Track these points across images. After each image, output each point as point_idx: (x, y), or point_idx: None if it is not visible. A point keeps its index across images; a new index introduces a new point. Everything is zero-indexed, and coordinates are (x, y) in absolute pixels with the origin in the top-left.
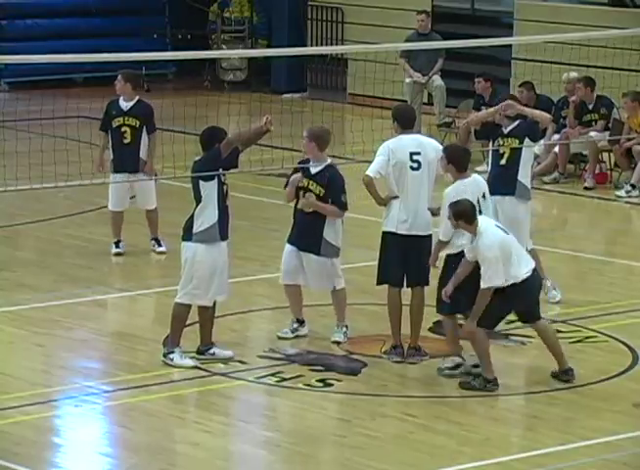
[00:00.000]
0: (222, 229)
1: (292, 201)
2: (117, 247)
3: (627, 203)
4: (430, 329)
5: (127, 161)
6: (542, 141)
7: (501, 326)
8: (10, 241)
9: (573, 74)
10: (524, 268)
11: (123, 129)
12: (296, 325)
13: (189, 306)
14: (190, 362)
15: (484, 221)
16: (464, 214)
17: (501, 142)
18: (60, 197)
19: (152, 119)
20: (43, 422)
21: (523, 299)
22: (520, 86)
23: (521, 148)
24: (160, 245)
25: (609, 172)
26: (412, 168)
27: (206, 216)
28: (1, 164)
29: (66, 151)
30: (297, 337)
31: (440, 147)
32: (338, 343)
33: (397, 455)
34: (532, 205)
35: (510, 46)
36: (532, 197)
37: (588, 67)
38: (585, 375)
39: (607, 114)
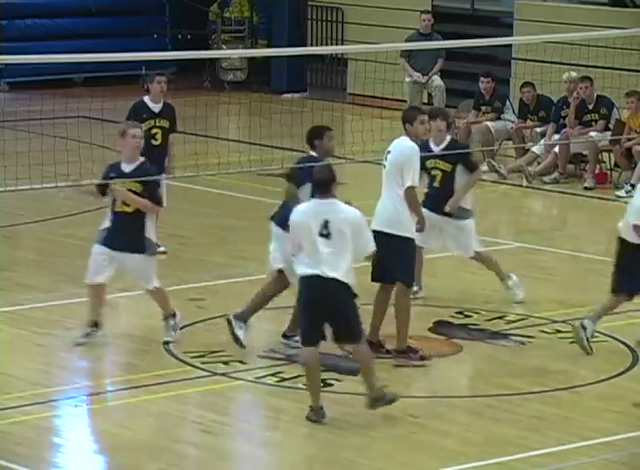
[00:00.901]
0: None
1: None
2: None
3: (627, 203)
4: (430, 329)
5: (157, 162)
6: (542, 141)
7: (501, 326)
8: (10, 241)
9: (573, 74)
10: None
11: (154, 131)
12: (90, 329)
13: None
14: None
15: None
16: None
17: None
18: (60, 197)
19: (176, 120)
20: (43, 422)
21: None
22: (524, 86)
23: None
24: (159, 246)
25: (609, 172)
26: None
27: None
28: (1, 165)
29: (66, 151)
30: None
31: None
32: (167, 343)
33: (397, 455)
34: (531, 205)
35: (510, 46)
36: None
37: (588, 67)
38: (585, 375)
39: (607, 114)
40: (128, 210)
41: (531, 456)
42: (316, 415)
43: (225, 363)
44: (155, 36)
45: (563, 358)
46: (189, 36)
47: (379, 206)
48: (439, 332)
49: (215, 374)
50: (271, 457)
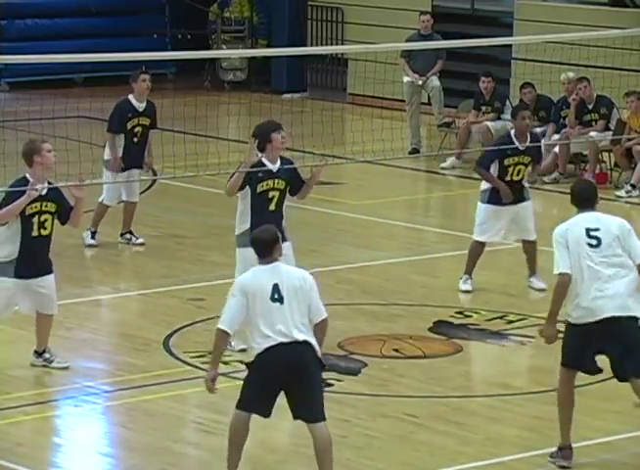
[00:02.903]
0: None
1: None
2: (93, 238)
3: (627, 203)
4: (430, 329)
5: (136, 158)
6: (542, 141)
7: (501, 326)
8: None
9: (571, 74)
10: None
11: (136, 129)
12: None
13: None
14: None
15: None
16: None
17: None
18: None
19: (156, 118)
20: (43, 422)
21: None
22: (525, 87)
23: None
24: (136, 237)
25: (609, 172)
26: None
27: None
28: (1, 165)
29: (66, 151)
30: None
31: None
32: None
33: (397, 455)
34: (532, 205)
35: (510, 46)
36: (532, 197)
37: (588, 67)
38: (585, 375)
39: (607, 114)
40: (45, 232)
41: (531, 456)
42: None
43: (225, 363)
44: (155, 36)
45: None
46: (189, 36)
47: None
48: (439, 332)
49: None
50: (271, 457)
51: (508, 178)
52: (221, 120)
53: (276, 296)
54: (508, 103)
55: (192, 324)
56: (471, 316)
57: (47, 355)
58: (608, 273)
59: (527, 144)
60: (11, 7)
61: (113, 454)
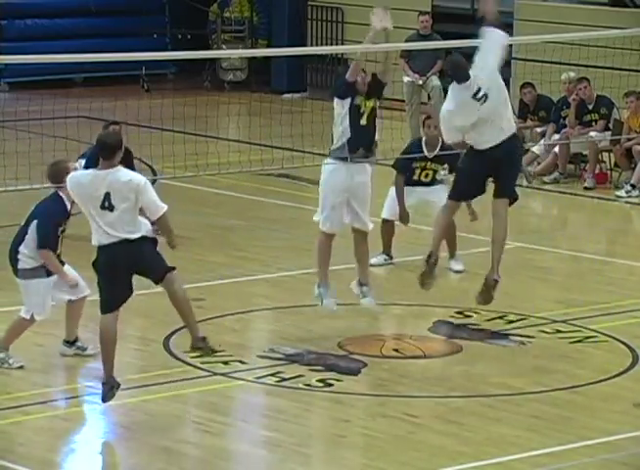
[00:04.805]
0: None
1: None
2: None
3: (627, 203)
4: (430, 329)
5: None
6: (542, 141)
7: (501, 326)
8: (10, 241)
9: (572, 74)
10: None
11: None
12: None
13: None
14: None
15: None
16: None
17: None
18: None
19: None
20: (43, 422)
21: None
22: (525, 87)
23: None
24: None
25: (609, 172)
26: None
27: None
28: (1, 165)
29: (66, 151)
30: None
31: None
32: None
33: (397, 455)
34: (531, 205)
35: (510, 46)
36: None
37: (588, 67)
38: (585, 375)
39: (607, 114)
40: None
41: (531, 456)
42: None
43: (225, 363)
44: (155, 36)
45: (563, 358)
46: (189, 36)
47: None
48: (439, 332)
49: (215, 374)
50: (271, 457)
51: (416, 178)
52: (221, 120)
53: (106, 204)
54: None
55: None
56: (471, 316)
57: (79, 344)
58: None
59: (437, 152)
60: (11, 7)
61: (113, 454)
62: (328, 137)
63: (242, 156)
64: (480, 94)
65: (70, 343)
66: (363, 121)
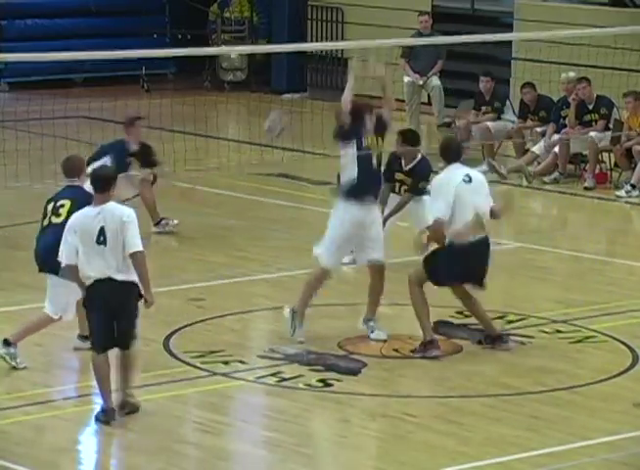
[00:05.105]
0: None
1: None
2: None
3: (627, 203)
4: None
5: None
6: (542, 141)
7: (501, 326)
8: (10, 241)
9: (571, 74)
10: None
11: None
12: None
13: None
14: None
15: None
16: None
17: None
18: None
19: None
20: (43, 422)
21: None
22: (525, 87)
23: None
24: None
25: (609, 172)
26: None
27: None
28: (1, 164)
29: (66, 151)
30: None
31: None
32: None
33: (397, 455)
34: (531, 205)
35: (510, 46)
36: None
37: (588, 67)
38: (585, 375)
39: (607, 114)
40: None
41: (531, 456)
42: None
43: (225, 363)
44: (155, 36)
45: (563, 358)
46: (189, 36)
47: None
48: (439, 332)
49: (215, 374)
50: (271, 457)
51: (396, 191)
52: (221, 120)
53: (101, 239)
54: (508, 103)
55: (192, 324)
56: (471, 316)
57: None
58: None
59: (413, 166)
60: (11, 7)
61: (113, 454)
62: (328, 137)
63: (242, 156)
64: None
65: (85, 337)
66: (373, 165)
